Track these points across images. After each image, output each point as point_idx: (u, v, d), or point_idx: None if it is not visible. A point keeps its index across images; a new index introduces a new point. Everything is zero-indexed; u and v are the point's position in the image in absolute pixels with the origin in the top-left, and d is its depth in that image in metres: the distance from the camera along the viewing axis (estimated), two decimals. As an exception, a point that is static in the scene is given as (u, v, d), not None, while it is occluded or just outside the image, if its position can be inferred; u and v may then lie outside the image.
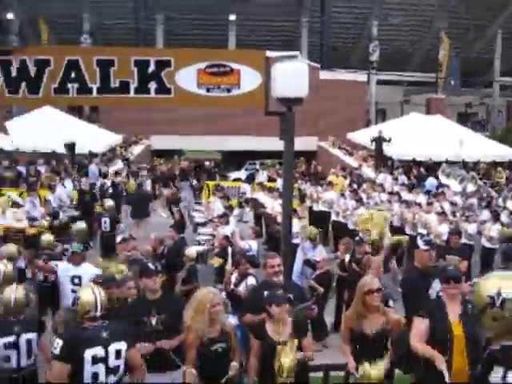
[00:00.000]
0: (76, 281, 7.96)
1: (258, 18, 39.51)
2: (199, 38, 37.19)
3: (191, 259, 9.59)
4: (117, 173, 21.20)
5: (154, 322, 5.53)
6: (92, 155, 23.01)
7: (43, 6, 36.88)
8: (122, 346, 4.67)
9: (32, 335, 5.52)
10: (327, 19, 38.13)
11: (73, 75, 7.38)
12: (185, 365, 5.16)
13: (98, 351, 4.51)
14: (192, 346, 5.08)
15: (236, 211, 15.26)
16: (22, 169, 22.05)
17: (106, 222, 13.22)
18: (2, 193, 17.64)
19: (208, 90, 7.24)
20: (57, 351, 4.52)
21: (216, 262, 10.46)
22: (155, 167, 26.97)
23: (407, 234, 13.20)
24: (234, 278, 8.23)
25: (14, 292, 5.58)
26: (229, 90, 7.28)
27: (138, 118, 28.98)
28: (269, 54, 7.62)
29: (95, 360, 4.52)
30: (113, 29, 39.61)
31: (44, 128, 22.86)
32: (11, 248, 8.56)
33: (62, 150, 22.57)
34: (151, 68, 7.23)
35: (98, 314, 4.66)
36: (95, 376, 4.52)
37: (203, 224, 15.39)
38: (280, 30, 40.91)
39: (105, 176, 20.39)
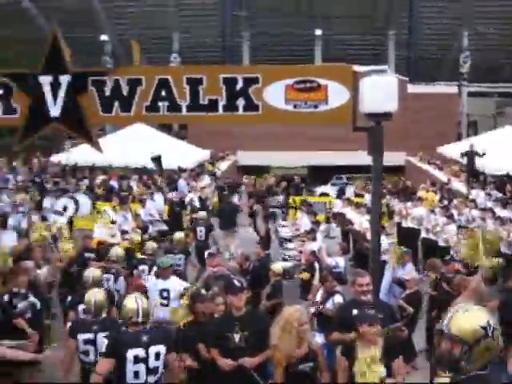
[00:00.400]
0: (165, 294, 8.12)
1: (344, 31, 39.36)
2: (285, 53, 37.45)
3: (277, 274, 9.57)
4: (203, 188, 21.56)
5: (237, 338, 5.52)
6: (181, 170, 23.53)
7: (134, 27, 38.37)
8: (161, 349, 5.17)
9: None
10: (415, 31, 37.41)
11: (163, 94, 7.56)
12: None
13: (139, 352, 5.04)
14: (280, 365, 5.03)
15: (323, 226, 15.10)
16: (114, 183, 22.85)
17: (201, 231, 13.67)
18: (96, 207, 18.33)
19: (295, 106, 7.23)
20: (103, 349, 5.21)
21: (304, 276, 10.37)
22: (248, 184, 27.27)
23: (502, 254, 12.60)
24: (319, 294, 8.12)
25: (95, 295, 6.19)
26: (316, 106, 7.23)
27: (226, 134, 29.46)
28: (356, 68, 7.52)
29: (137, 360, 5.04)
30: (200, 47, 40.56)
31: (135, 144, 23.61)
32: (119, 250, 9.05)
33: (152, 165, 23.26)
34: (239, 85, 7.30)
35: (140, 320, 5.20)
36: (136, 374, 5.06)
37: (290, 239, 15.34)
38: (366, 43, 40.54)
39: (192, 191, 20.80)
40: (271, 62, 30.65)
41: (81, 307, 6.85)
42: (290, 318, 5.08)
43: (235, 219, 16.74)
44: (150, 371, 5.10)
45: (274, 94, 7.25)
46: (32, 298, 7.82)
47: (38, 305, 7.95)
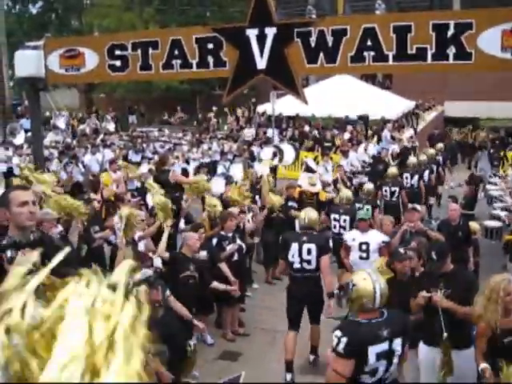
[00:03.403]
0: (363, 247, 8.08)
1: None
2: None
3: (473, 233, 9.35)
4: (401, 140, 20.95)
5: (440, 295, 5.36)
6: (385, 121, 23.04)
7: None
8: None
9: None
10: None
11: (369, 43, 7.35)
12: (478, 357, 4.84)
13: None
14: (482, 336, 4.72)
15: (537, 186, 13.91)
16: (316, 134, 23.10)
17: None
18: (298, 156, 18.70)
19: (514, 54, 6.59)
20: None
21: (510, 238, 9.76)
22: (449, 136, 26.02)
23: None
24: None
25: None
26: (538, 53, 6.53)
27: (432, 84, 28.01)
28: None
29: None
30: (408, -9, 38.72)
31: (338, 94, 23.49)
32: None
33: (354, 116, 23.10)
34: (450, 32, 6.83)
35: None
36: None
37: (500, 197, 14.33)
38: None
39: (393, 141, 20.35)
40: (485, 6, 28.23)
41: None
42: (495, 287, 4.69)
43: (456, 155, 16.66)
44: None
45: (490, 41, 6.66)
46: (239, 242, 8.27)
47: (244, 248, 8.41)
